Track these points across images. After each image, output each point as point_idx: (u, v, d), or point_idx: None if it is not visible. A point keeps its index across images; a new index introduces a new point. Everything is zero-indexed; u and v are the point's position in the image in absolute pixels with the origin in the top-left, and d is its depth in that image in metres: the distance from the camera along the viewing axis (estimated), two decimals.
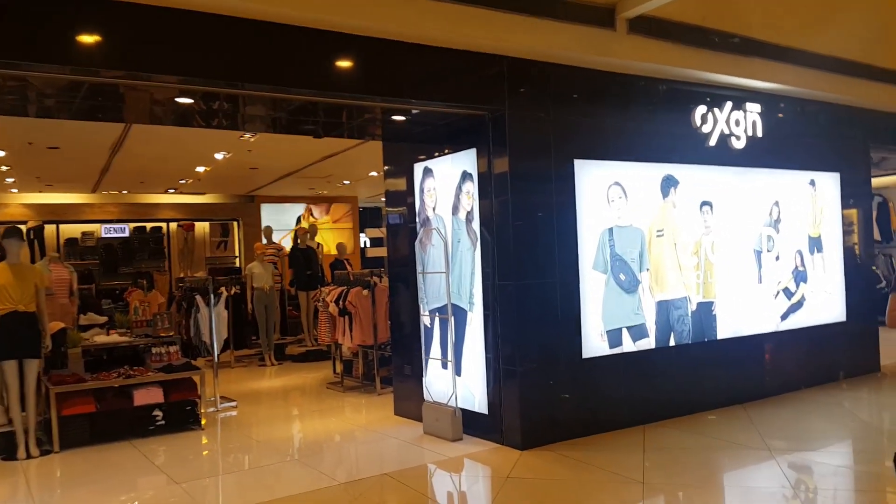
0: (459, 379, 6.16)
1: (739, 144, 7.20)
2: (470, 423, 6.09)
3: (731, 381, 7.14)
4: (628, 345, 6.36)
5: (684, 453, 5.63)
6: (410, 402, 6.82)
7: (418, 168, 6.73)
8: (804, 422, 6.56)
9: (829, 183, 8.18)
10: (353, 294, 8.31)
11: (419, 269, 6.61)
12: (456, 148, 6.24)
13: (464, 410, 6.11)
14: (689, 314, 6.80)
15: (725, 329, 7.08)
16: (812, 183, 8.00)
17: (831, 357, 8.11)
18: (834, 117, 8.29)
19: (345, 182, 14.63)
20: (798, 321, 7.74)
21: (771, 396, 7.34)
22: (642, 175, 6.56)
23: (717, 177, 7.09)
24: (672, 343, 6.66)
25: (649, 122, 6.66)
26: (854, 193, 8.43)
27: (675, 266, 6.72)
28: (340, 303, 8.38)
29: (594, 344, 6.14)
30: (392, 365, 7.51)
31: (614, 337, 6.27)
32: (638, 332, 6.43)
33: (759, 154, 7.41)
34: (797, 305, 7.75)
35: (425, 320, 6.59)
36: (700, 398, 6.87)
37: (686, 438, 5.99)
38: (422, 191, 6.69)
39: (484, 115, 5.87)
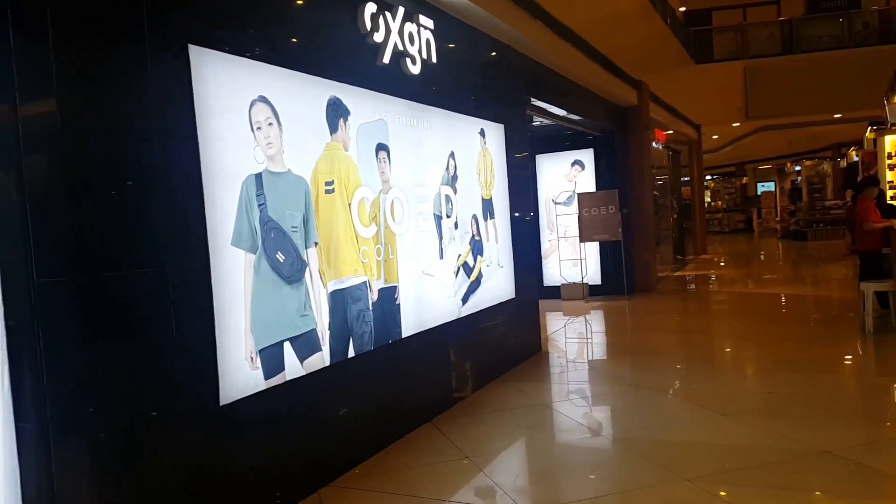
0: None
1: (415, 69, 5.28)
2: None
3: (420, 392, 5.25)
4: (294, 367, 3.91)
5: None
6: None
7: None
8: (508, 437, 4.99)
9: (496, 136, 6.86)
10: None
11: None
12: None
13: None
14: (371, 307, 4.64)
15: (410, 323, 5.12)
16: (482, 133, 6.55)
17: (507, 341, 6.87)
18: (502, 59, 7.04)
19: None
20: (477, 303, 6.23)
21: (459, 403, 5.68)
22: (301, 92, 4.13)
23: (392, 110, 5.04)
24: (352, 353, 4.43)
25: (309, 8, 4.26)
26: (517, 152, 7.29)
27: (351, 237, 4.48)
28: None
29: (239, 376, 3.54)
30: None
31: (272, 358, 3.76)
32: (306, 343, 4.02)
33: (434, 88, 5.63)
34: (476, 284, 6.23)
35: None
36: (387, 426, 4.80)
37: (383, 501, 3.83)
38: None
39: None
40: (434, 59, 5.54)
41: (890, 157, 12.24)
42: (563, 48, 8.38)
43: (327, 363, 4.17)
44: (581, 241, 11.49)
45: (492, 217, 6.63)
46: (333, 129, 4.38)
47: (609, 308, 10.81)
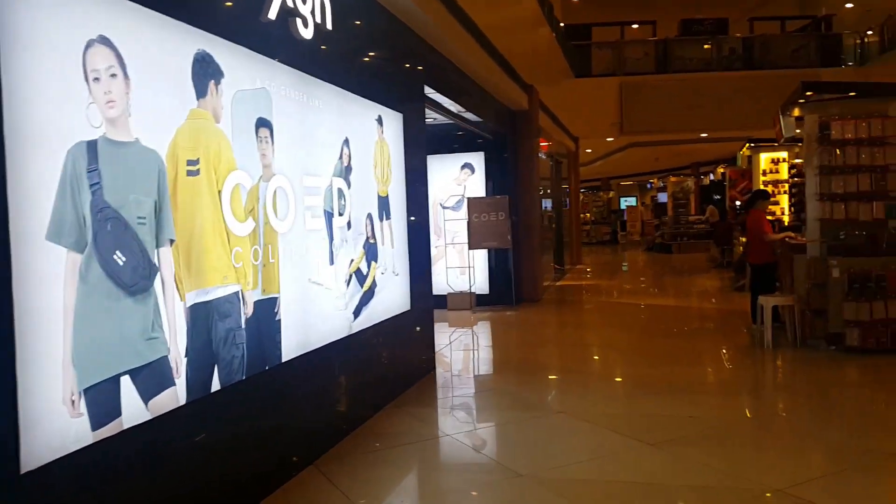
0: None
1: (306, 33, 4.34)
2: None
3: (302, 428, 4.29)
4: (136, 410, 2.87)
5: None
6: None
7: None
8: (408, 482, 4.15)
9: (394, 125, 6.02)
10: None
11: None
12: None
13: None
14: (244, 324, 3.64)
15: (292, 343, 4.16)
16: (380, 121, 5.69)
17: (402, 360, 6.03)
18: (402, 41, 6.24)
19: None
20: (371, 317, 5.35)
21: (351, 435, 4.77)
22: (159, 39, 3.10)
23: (278, 78, 4.08)
24: (217, 385, 3.42)
25: None
26: (415, 145, 6.47)
27: (221, 235, 3.48)
28: None
29: (53, 427, 2.46)
30: None
31: (103, 399, 2.70)
32: (154, 377, 2.98)
33: (327, 60, 4.72)
34: (369, 294, 5.35)
35: None
36: (260, 478, 3.81)
37: None
38: None
39: None
40: (329, 26, 4.63)
41: (765, 173, 12.67)
42: (463, 38, 7.69)
43: (182, 401, 3.14)
44: (470, 248, 10.86)
45: (388, 217, 5.77)
46: (201, 92, 3.37)
47: (499, 320, 10.24)
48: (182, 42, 3.26)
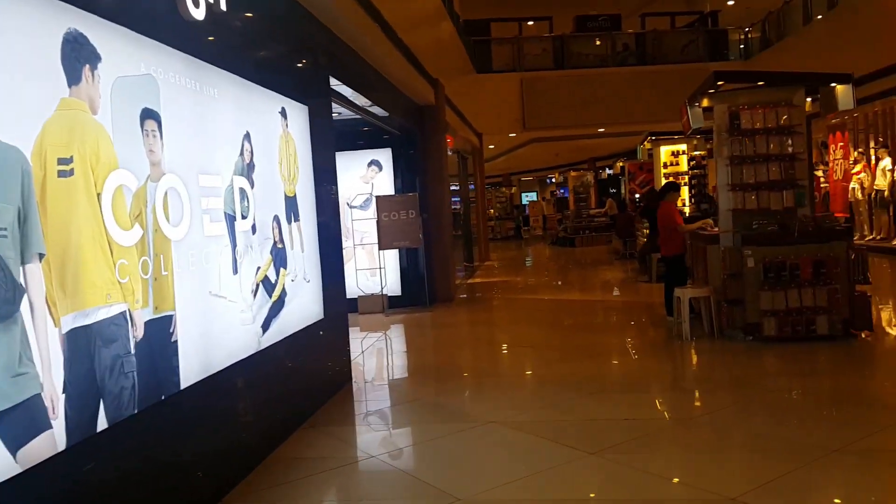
0: None
1: (198, 13, 3.82)
2: None
3: (207, 462, 3.77)
4: (2, 464, 2.32)
5: None
6: None
7: None
8: None
9: (300, 119, 5.53)
10: None
11: None
12: None
13: None
14: (133, 349, 3.11)
15: (193, 367, 3.64)
16: (284, 114, 5.19)
17: (316, 373, 5.58)
18: (304, 27, 5.76)
19: None
20: (281, 329, 4.86)
21: (263, 464, 4.28)
22: (19, 12, 2.55)
23: (166, 64, 3.54)
24: (103, 424, 2.88)
25: None
26: (322, 140, 6.00)
27: (102, 245, 2.93)
28: None
29: None
30: None
31: None
32: (25, 420, 2.44)
33: (223, 45, 4.21)
34: (279, 304, 4.85)
35: None
36: None
37: None
38: None
39: None
40: (223, 6, 4.11)
41: (665, 166, 12.93)
42: (368, 27, 7.27)
43: (62, 447, 2.60)
44: (380, 248, 10.44)
45: (297, 219, 5.29)
46: (74, 79, 2.81)
47: (413, 322, 9.88)
48: (50, 18, 2.71)
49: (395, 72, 9.12)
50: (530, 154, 26.63)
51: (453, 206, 13.33)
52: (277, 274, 4.84)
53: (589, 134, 21.92)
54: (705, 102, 7.37)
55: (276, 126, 5.05)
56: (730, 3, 24.46)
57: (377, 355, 7.87)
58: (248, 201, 4.43)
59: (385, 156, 10.88)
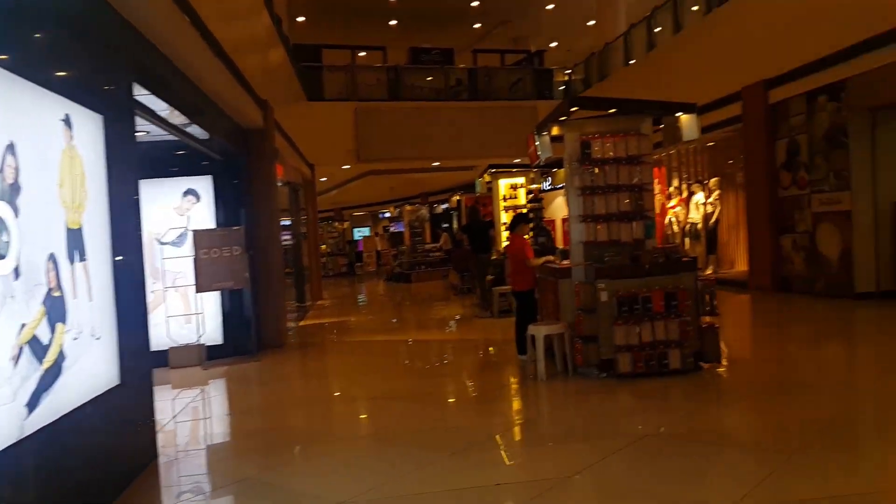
0: None
1: None
2: None
3: None
4: None
5: None
6: None
7: None
8: None
9: (91, 130, 4.39)
10: None
11: None
12: None
13: None
14: None
15: None
16: (68, 122, 4.05)
17: (109, 455, 4.37)
18: (97, 17, 4.64)
19: None
20: (56, 406, 3.66)
21: None
22: None
23: None
24: None
25: None
26: (123, 160, 4.85)
27: None
28: None
29: None
30: None
31: None
32: None
33: None
34: (54, 372, 3.67)
35: None
36: None
37: None
38: None
39: None
40: None
41: (505, 199, 12.79)
42: (185, 31, 6.22)
43: None
44: (198, 290, 9.13)
45: (83, 258, 4.12)
46: None
47: (237, 375, 8.65)
48: None
49: (218, 88, 8.05)
50: (364, 187, 26.00)
51: (284, 242, 12.23)
52: (52, 331, 3.66)
53: (424, 168, 21.73)
54: (555, 131, 7.09)
55: (57, 137, 3.91)
56: (552, 45, 25.65)
57: (193, 421, 6.64)
58: (8, 235, 3.27)
59: (205, 184, 9.63)
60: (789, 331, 9.19)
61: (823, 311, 9.99)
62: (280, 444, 5.57)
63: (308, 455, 5.33)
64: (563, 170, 14.33)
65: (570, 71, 21.92)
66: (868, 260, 10.32)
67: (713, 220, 14.59)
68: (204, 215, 9.66)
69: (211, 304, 9.65)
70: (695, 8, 15.23)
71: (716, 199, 14.59)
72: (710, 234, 14.72)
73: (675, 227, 15.48)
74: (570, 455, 4.73)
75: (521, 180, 14.78)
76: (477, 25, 23.82)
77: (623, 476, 4.26)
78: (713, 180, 14.69)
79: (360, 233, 40.79)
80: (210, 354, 9.38)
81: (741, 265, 14.56)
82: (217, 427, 6.51)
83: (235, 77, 8.38)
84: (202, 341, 9.38)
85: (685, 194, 15.59)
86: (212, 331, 9.63)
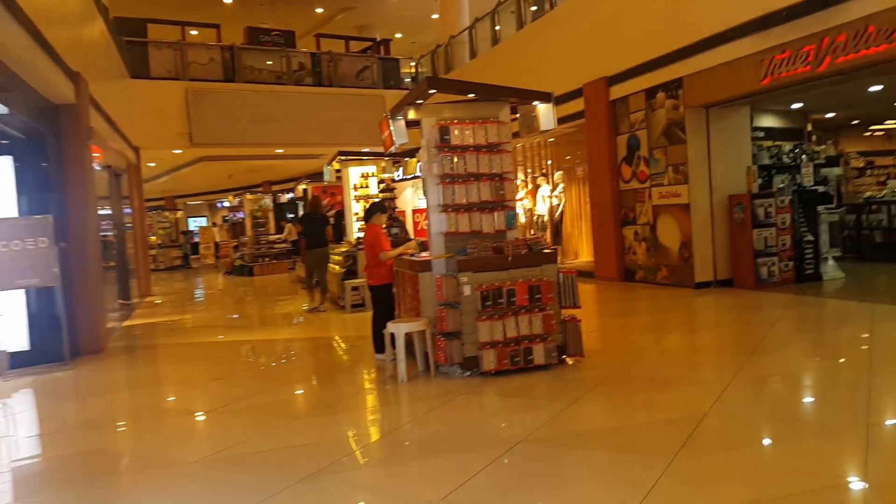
0: None
1: None
2: None
3: None
4: None
5: None
6: None
7: None
8: None
9: None
10: None
11: None
12: None
13: None
14: None
15: None
16: None
17: None
18: None
19: None
20: None
21: None
22: None
23: None
24: None
25: None
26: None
27: None
28: None
29: None
30: None
31: None
32: None
33: None
34: None
35: None
36: None
37: None
38: None
39: None
40: None
41: (355, 188, 12.17)
42: None
43: None
44: None
45: None
46: None
47: (46, 386, 7.42)
48: None
49: (17, 54, 6.77)
50: (199, 174, 24.21)
51: (104, 233, 10.84)
52: None
53: (266, 155, 20.52)
54: (412, 114, 6.62)
55: None
56: (397, 36, 25.25)
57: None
58: None
59: (4, 166, 8.20)
60: (639, 321, 9.37)
61: (667, 301, 10.36)
62: (106, 470, 4.67)
63: (135, 485, 4.49)
64: (414, 159, 14.05)
65: (415, 63, 21.62)
66: (706, 251, 10.86)
67: (558, 212, 14.89)
68: (4, 202, 8.23)
69: (14, 304, 8.26)
70: (534, 8, 15.42)
71: (560, 193, 14.90)
72: (555, 225, 15.03)
73: (523, 219, 15.67)
74: (438, 472, 4.28)
75: (373, 168, 14.23)
76: (319, 10, 22.88)
77: (499, 495, 3.88)
78: (558, 174, 14.99)
79: (196, 223, 38.31)
80: (14, 362, 8.02)
81: (584, 256, 15.01)
82: (22, 450, 5.42)
83: (39, 44, 7.12)
84: (4, 347, 7.99)
85: (531, 186, 15.83)
86: (15, 335, 8.25)
